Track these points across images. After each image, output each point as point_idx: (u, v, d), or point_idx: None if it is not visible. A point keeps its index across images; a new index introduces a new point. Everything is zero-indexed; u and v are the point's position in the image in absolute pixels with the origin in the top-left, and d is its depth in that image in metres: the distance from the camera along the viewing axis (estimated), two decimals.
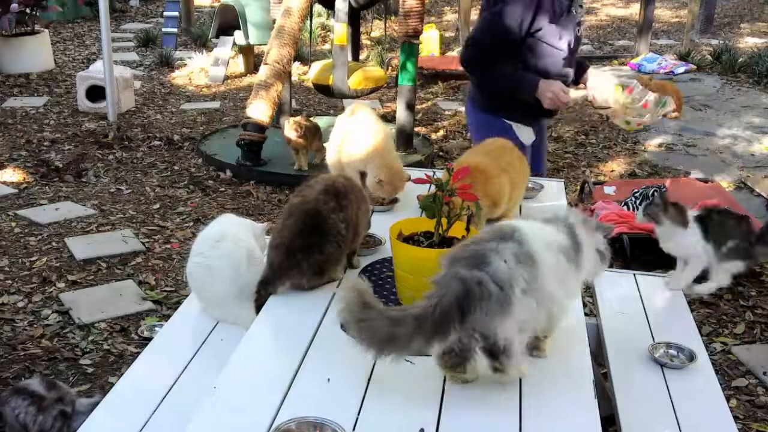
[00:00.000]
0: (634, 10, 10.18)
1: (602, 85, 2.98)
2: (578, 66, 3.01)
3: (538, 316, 1.47)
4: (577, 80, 3.03)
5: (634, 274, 2.61)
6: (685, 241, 2.48)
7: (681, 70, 7.96)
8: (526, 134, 2.96)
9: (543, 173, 3.19)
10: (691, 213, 2.51)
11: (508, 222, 1.58)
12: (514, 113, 2.92)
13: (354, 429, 1.37)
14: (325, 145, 3.41)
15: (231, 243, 2.16)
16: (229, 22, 7.38)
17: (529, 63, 2.80)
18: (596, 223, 1.68)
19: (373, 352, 1.39)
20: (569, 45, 2.84)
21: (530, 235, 1.48)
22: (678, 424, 1.84)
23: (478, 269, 1.40)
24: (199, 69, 7.86)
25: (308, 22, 5.71)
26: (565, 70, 2.87)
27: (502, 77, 2.83)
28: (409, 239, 1.79)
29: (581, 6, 2.91)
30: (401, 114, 5.27)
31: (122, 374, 2.07)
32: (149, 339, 2.36)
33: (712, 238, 2.49)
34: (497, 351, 1.42)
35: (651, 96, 2.96)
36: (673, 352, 2.11)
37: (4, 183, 4.77)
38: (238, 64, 8.01)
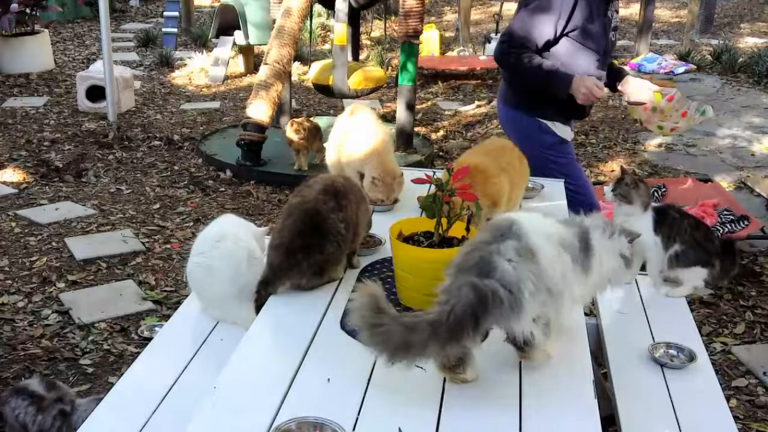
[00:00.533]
0: (634, 10, 10.17)
1: (641, 92, 2.95)
2: (616, 72, 2.99)
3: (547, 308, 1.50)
4: (614, 86, 3.00)
5: None
6: (638, 228, 2.38)
7: (681, 70, 7.96)
8: (562, 131, 2.94)
9: (596, 204, 2.98)
10: (653, 203, 2.44)
11: (506, 216, 1.57)
12: (545, 111, 2.89)
13: (354, 429, 1.37)
14: (325, 145, 3.41)
15: (231, 243, 2.16)
16: (229, 22, 7.38)
17: (562, 63, 2.78)
18: (620, 228, 1.65)
19: (384, 357, 1.37)
20: (603, 48, 2.83)
21: (528, 227, 1.48)
22: (678, 424, 1.84)
23: (487, 277, 1.40)
24: (199, 69, 7.86)
25: (308, 22, 5.71)
26: (598, 72, 2.85)
27: (535, 72, 2.75)
28: (409, 239, 1.79)
29: (617, 11, 2.90)
30: (401, 114, 5.27)
31: (122, 374, 2.07)
32: (149, 339, 2.36)
33: (663, 234, 2.39)
34: (519, 344, 1.51)
35: (692, 104, 2.94)
36: (673, 352, 2.11)
37: (4, 183, 4.77)
38: (238, 64, 8.01)
